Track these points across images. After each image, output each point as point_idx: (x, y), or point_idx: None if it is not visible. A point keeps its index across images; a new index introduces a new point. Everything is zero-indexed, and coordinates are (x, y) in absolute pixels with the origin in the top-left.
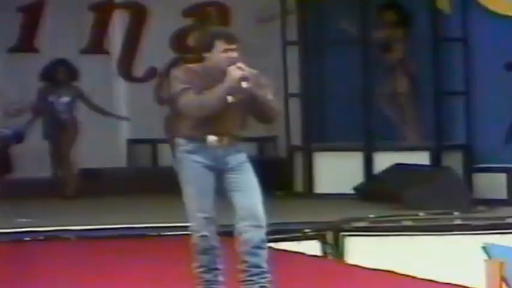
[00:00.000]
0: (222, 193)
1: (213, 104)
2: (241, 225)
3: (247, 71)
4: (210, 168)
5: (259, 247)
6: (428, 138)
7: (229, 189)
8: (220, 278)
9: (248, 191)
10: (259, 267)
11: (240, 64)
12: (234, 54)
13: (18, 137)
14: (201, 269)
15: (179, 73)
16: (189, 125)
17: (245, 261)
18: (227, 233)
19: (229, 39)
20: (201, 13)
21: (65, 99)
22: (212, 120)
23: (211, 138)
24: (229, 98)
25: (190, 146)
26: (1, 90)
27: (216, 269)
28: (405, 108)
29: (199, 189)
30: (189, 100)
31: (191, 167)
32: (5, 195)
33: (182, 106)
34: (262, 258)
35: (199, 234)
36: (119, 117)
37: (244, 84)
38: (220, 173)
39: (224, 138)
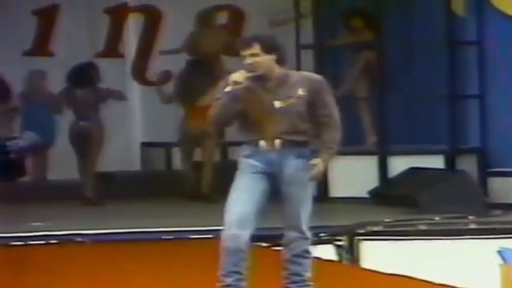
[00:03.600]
0: (278, 201)
1: (218, 113)
2: (286, 235)
3: (241, 77)
4: (264, 173)
5: (301, 256)
6: (443, 142)
7: (281, 197)
8: (243, 284)
9: (295, 203)
10: (300, 275)
11: (243, 70)
12: (249, 61)
13: (34, 149)
14: (222, 272)
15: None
16: (244, 130)
17: (287, 269)
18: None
19: (242, 45)
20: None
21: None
22: (259, 125)
23: (262, 143)
24: (276, 103)
25: (247, 151)
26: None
27: (239, 272)
28: (363, 112)
29: (243, 186)
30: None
31: (244, 169)
32: (18, 198)
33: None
34: (304, 268)
35: (228, 232)
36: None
37: (227, 89)
38: (275, 179)
39: (276, 142)
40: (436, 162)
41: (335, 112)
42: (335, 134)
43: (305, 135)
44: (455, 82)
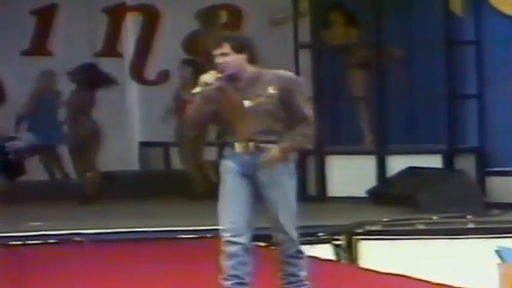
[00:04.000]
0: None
1: (191, 115)
2: (274, 236)
3: (211, 78)
4: (241, 174)
5: (293, 257)
6: (441, 141)
7: (263, 200)
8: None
9: (273, 206)
10: (295, 275)
11: (213, 71)
12: (220, 60)
13: (32, 150)
14: (222, 275)
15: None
16: (222, 131)
17: (282, 270)
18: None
19: (213, 44)
20: (211, 16)
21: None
22: (234, 127)
23: (238, 145)
24: (246, 103)
25: (226, 152)
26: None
27: (238, 276)
28: (361, 111)
29: (229, 192)
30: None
31: (225, 171)
32: (18, 198)
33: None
34: (299, 268)
35: (225, 239)
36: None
37: (196, 90)
38: (252, 180)
39: (249, 145)
40: (434, 161)
41: (308, 110)
42: (305, 130)
43: (280, 134)
44: (453, 82)
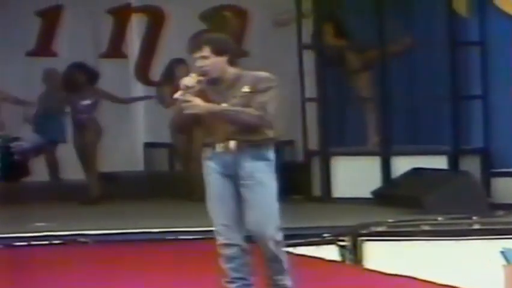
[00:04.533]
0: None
1: (174, 118)
2: (254, 238)
3: (192, 81)
4: (223, 175)
5: (270, 261)
6: (446, 142)
7: (241, 199)
8: None
9: (254, 207)
10: (271, 279)
11: (194, 74)
12: (199, 63)
13: (37, 150)
14: (226, 279)
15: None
16: (204, 133)
17: (265, 271)
18: None
19: (193, 47)
20: (216, 17)
21: (87, 101)
22: (213, 127)
23: (219, 145)
24: (223, 105)
25: (207, 153)
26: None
27: (243, 278)
28: (368, 113)
29: (215, 196)
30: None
31: (208, 173)
32: (22, 198)
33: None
34: (277, 271)
35: (220, 242)
36: (141, 98)
37: (178, 94)
38: (235, 180)
39: (229, 144)
40: (439, 162)
41: (268, 107)
42: (250, 117)
43: (262, 133)
44: (458, 82)
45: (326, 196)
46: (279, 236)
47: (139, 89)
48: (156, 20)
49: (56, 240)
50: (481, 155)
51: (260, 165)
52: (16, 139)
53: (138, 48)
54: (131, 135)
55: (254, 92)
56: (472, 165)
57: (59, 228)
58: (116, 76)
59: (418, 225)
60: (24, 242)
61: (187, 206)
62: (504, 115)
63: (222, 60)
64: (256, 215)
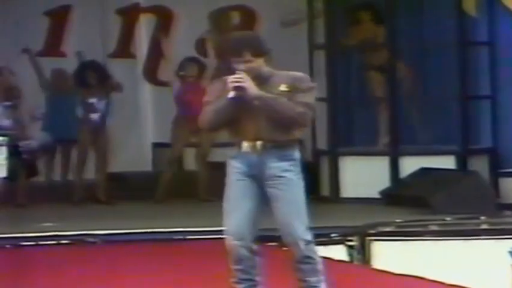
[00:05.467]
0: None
1: (216, 118)
2: (283, 239)
3: (242, 80)
4: (247, 175)
5: (301, 262)
6: (454, 142)
7: (270, 201)
8: None
9: (283, 207)
10: (303, 281)
11: (238, 74)
12: (241, 67)
13: (45, 149)
14: (234, 279)
15: (210, 85)
16: (229, 133)
17: (296, 273)
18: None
19: (232, 53)
20: (221, 18)
21: (98, 101)
22: (240, 127)
23: (245, 144)
24: (256, 102)
25: (233, 153)
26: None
27: (251, 280)
28: (380, 113)
29: (235, 196)
30: (203, 114)
31: (231, 172)
32: (30, 198)
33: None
34: (307, 274)
35: (229, 243)
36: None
37: (230, 94)
38: (259, 181)
39: (257, 144)
40: (448, 162)
41: (307, 108)
42: (296, 113)
43: (289, 134)
44: (466, 82)
45: (334, 196)
46: (309, 236)
47: (147, 89)
48: (164, 20)
49: (64, 240)
50: (489, 155)
51: (287, 165)
52: (25, 138)
53: (146, 49)
54: (139, 136)
55: (292, 91)
56: (480, 165)
57: (67, 228)
58: (124, 76)
59: (426, 225)
60: (32, 242)
61: (196, 206)
62: None
63: (261, 61)
64: (286, 215)
